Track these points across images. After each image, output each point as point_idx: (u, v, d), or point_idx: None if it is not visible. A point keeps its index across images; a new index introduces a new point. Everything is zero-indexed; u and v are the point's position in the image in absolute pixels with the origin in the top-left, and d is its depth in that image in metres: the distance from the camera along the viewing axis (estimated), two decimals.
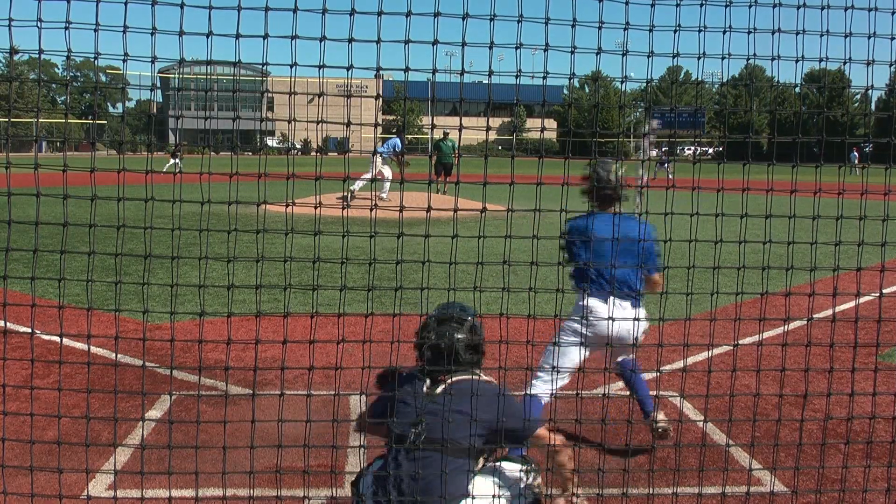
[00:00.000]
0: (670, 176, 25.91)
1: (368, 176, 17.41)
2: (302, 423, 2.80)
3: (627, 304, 3.75)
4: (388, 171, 18.47)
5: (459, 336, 2.82)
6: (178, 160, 28.08)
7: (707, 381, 3.29)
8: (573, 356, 3.77)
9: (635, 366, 4.08)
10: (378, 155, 17.84)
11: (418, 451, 2.65)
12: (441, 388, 2.75)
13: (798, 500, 3.55)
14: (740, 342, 4.44)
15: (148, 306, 4.86)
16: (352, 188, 17.38)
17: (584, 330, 3.68)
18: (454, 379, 2.77)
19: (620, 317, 3.52)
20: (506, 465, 2.87)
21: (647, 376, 5.27)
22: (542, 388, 3.83)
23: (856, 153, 34.42)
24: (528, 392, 3.70)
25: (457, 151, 22.21)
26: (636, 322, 3.42)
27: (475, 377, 2.80)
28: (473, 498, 2.63)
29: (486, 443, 2.76)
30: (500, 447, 2.78)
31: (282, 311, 2.93)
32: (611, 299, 3.57)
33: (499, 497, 2.70)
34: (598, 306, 3.69)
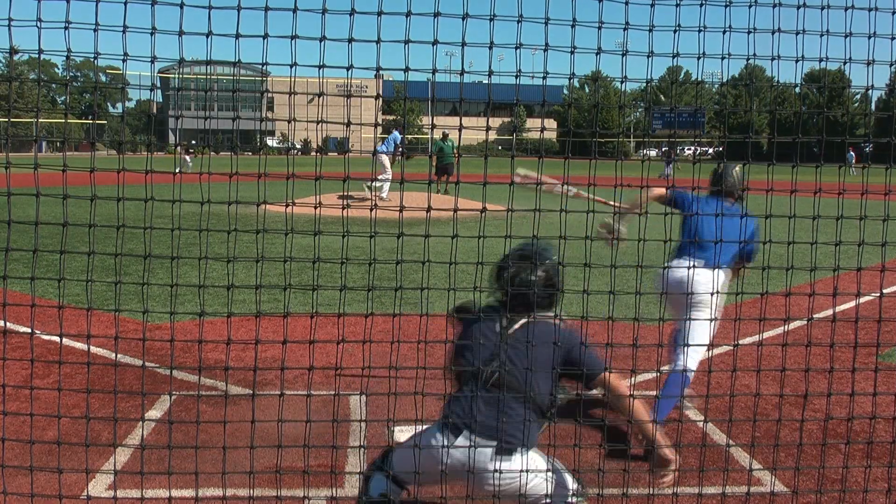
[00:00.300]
0: (669, 176, 25.90)
1: (387, 176, 17.39)
2: (302, 423, 2.80)
3: (707, 270, 4.08)
4: (389, 171, 18.42)
5: (535, 276, 2.83)
6: (188, 158, 27.91)
7: (707, 381, 3.29)
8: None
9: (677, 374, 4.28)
10: (383, 155, 17.80)
11: (490, 391, 2.67)
12: (515, 328, 2.77)
13: (798, 500, 3.55)
14: (740, 342, 4.44)
15: (148, 306, 4.85)
16: (380, 193, 17.40)
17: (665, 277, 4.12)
18: (526, 320, 2.78)
19: (684, 270, 3.92)
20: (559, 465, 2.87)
21: (648, 376, 5.27)
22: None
23: (852, 153, 34.32)
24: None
25: (456, 152, 22.21)
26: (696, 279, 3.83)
27: (547, 319, 2.81)
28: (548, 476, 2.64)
29: (556, 384, 2.77)
30: (567, 394, 2.82)
31: (282, 311, 2.93)
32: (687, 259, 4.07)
33: (552, 482, 2.71)
34: (677, 264, 4.13)
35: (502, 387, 2.67)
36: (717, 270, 4.03)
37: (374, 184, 17.60)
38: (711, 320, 3.67)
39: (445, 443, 2.66)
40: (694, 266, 3.61)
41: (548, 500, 2.71)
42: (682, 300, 4.10)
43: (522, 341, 2.71)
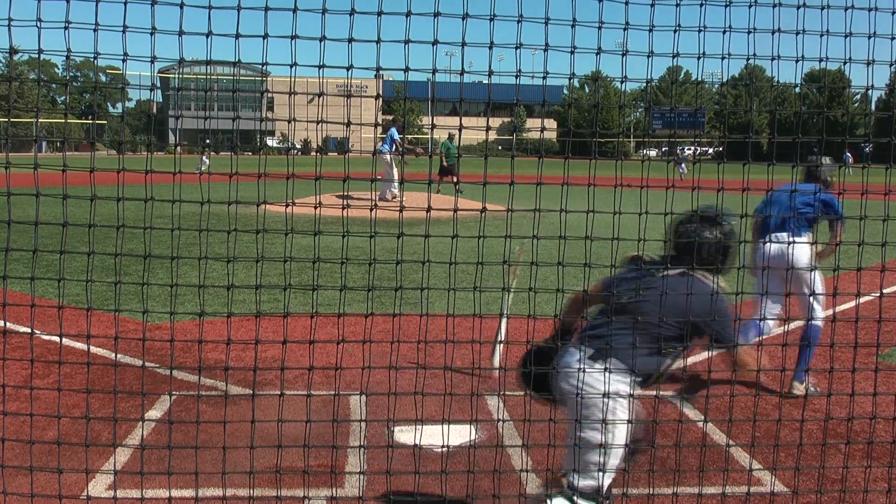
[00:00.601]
0: (682, 177, 25.78)
1: (391, 177, 17.34)
2: (302, 423, 2.80)
3: (800, 237, 5.09)
4: (396, 171, 18.33)
5: (708, 235, 2.92)
6: (206, 159, 27.55)
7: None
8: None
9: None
10: (387, 154, 17.75)
11: (615, 319, 2.80)
12: (668, 273, 2.88)
13: (798, 500, 3.55)
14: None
15: (148, 306, 4.82)
16: (393, 195, 17.38)
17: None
18: (678, 271, 2.89)
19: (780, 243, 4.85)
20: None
21: None
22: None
23: (849, 155, 34.11)
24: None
25: (458, 152, 22.23)
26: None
27: (705, 278, 2.89)
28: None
29: (678, 337, 2.86)
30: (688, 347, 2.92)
31: (282, 311, 2.93)
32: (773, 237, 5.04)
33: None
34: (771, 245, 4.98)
35: (609, 312, 2.82)
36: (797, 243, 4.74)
37: (392, 187, 17.61)
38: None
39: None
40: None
41: (600, 439, 2.77)
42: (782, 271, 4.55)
43: (668, 286, 2.81)
